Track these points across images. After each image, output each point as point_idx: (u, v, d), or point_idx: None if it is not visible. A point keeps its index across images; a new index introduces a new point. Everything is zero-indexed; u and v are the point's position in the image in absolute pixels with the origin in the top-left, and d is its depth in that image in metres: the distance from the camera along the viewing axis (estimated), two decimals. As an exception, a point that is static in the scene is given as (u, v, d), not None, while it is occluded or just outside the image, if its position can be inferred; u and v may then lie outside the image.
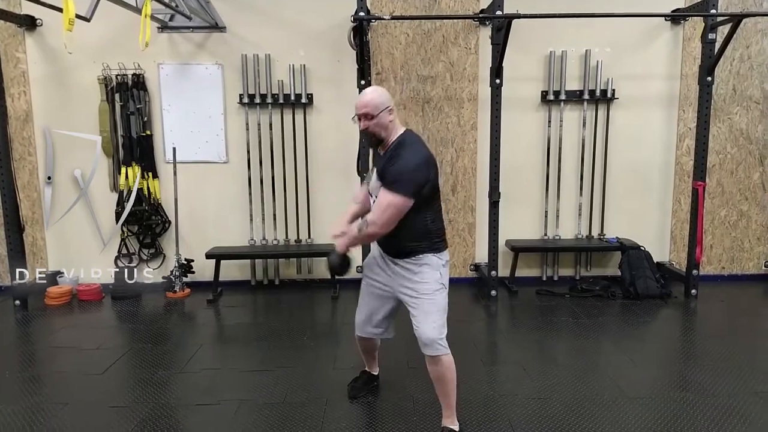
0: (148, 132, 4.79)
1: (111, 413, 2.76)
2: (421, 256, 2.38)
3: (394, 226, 2.27)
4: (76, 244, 4.96)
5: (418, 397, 2.86)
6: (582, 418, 2.65)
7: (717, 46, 4.27)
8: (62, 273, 4.90)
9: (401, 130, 2.39)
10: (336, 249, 2.39)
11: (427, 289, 2.37)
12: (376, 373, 3.02)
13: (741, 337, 3.77)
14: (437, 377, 2.44)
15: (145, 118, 4.77)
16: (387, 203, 2.23)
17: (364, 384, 2.95)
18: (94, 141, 4.78)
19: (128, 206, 4.76)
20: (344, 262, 2.40)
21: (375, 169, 2.45)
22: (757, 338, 3.81)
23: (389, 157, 2.32)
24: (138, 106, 4.74)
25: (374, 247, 2.60)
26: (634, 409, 2.75)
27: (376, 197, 2.36)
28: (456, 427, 2.49)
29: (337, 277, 2.46)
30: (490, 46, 4.35)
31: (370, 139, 2.37)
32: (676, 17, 4.70)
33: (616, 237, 4.99)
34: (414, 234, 2.36)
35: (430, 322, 2.35)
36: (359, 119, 2.34)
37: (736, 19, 4.09)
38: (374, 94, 2.34)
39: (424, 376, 2.55)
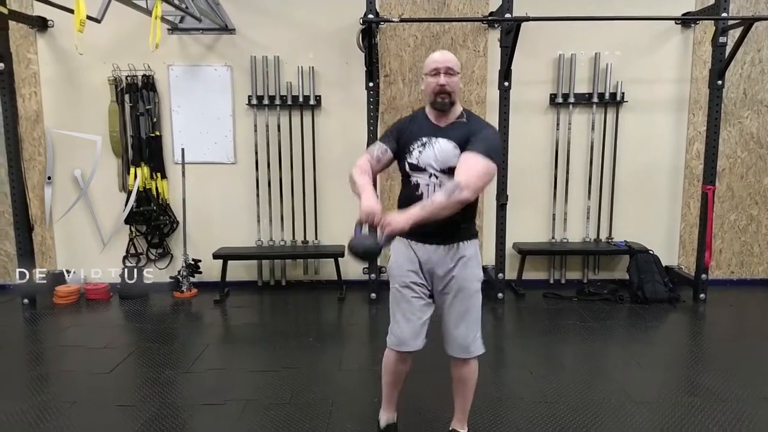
0: (158, 133, 4.82)
1: (118, 412, 2.77)
2: (473, 240, 2.24)
3: (485, 186, 2.10)
4: (82, 244, 4.99)
5: (422, 396, 2.85)
6: (589, 423, 2.64)
7: (728, 49, 4.24)
8: (68, 272, 4.92)
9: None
10: (388, 228, 1.94)
11: (475, 284, 2.23)
12: (395, 422, 2.54)
13: (750, 342, 3.74)
14: (463, 379, 2.34)
15: (155, 119, 4.80)
16: (485, 169, 2.04)
17: None
18: (94, 141, 4.81)
19: (128, 205, 4.80)
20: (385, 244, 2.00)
21: (427, 138, 2.18)
22: (766, 343, 3.77)
23: (467, 126, 2.16)
24: (147, 107, 4.77)
25: (400, 245, 2.26)
26: (642, 413, 2.73)
27: (426, 169, 2.16)
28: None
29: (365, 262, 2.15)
30: (499, 49, 4.34)
31: (442, 100, 2.13)
32: (686, 20, 4.68)
33: (625, 240, 4.96)
34: (470, 212, 2.21)
35: (472, 321, 2.24)
36: (438, 74, 2.11)
37: (747, 23, 4.07)
38: (453, 55, 2.19)
39: (430, 378, 2.54)
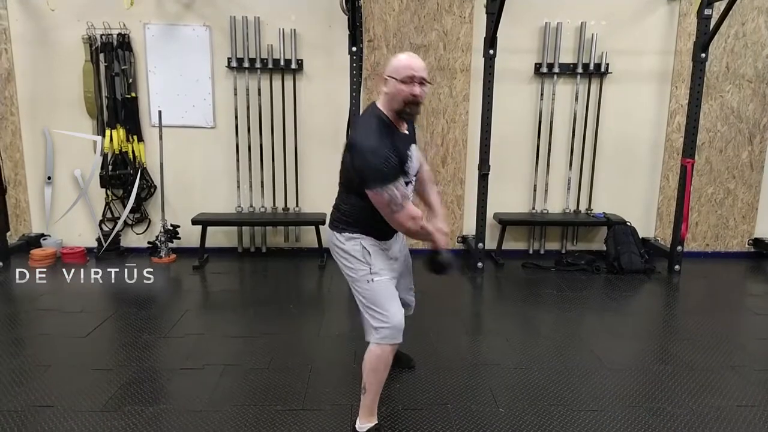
0: (134, 94, 4.69)
1: (94, 376, 2.76)
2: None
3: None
4: (58, 207, 4.89)
5: (399, 367, 2.88)
6: (562, 388, 2.69)
7: (713, 22, 4.23)
8: (44, 236, 4.86)
9: None
10: (441, 248, 2.21)
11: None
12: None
13: (721, 313, 3.83)
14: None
15: (130, 80, 4.67)
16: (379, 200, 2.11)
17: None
18: (94, 141, 4.71)
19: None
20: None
21: (409, 150, 2.18)
22: (737, 315, 3.88)
23: (413, 132, 2.29)
24: (123, 67, 4.63)
25: (368, 241, 2.24)
26: (613, 379, 2.80)
27: (415, 177, 2.25)
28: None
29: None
30: (485, 16, 4.27)
31: (410, 111, 2.08)
32: (673, -9, 4.65)
33: (603, 212, 5.01)
34: None
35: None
36: (413, 83, 2.03)
37: (733, -5, 4.04)
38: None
39: (404, 346, 2.56)
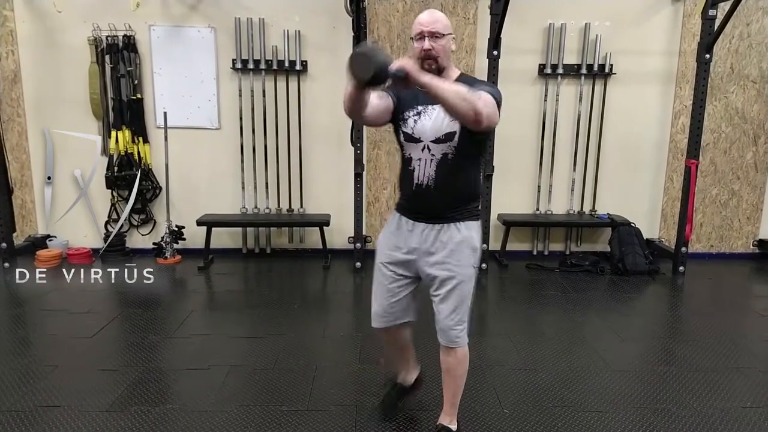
0: (139, 95, 4.72)
1: (101, 376, 2.78)
2: (470, 222, 2.06)
3: (492, 125, 1.89)
4: (64, 208, 4.91)
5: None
6: (566, 389, 2.70)
7: (717, 23, 4.22)
8: (49, 237, 4.88)
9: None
10: (405, 65, 1.74)
11: (466, 269, 2.05)
12: (409, 384, 2.49)
13: (726, 315, 3.82)
14: (448, 369, 2.17)
15: (136, 81, 4.69)
16: (493, 101, 1.86)
17: (398, 395, 2.49)
18: (94, 141, 4.73)
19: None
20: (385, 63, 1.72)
21: (423, 110, 2.02)
22: (742, 316, 3.87)
23: (465, 83, 1.94)
24: (128, 69, 4.65)
25: (391, 222, 2.16)
26: (618, 381, 2.80)
27: (420, 139, 2.01)
28: (454, 427, 2.26)
29: (370, 83, 1.74)
30: (489, 17, 4.28)
31: (428, 66, 1.95)
32: (677, -8, 4.65)
33: (607, 213, 5.01)
34: (471, 186, 2.07)
35: (460, 309, 2.06)
36: (422, 38, 1.95)
37: (737, -5, 4.04)
38: (442, 14, 1.99)
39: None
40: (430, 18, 1.96)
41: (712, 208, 5.10)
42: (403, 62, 1.74)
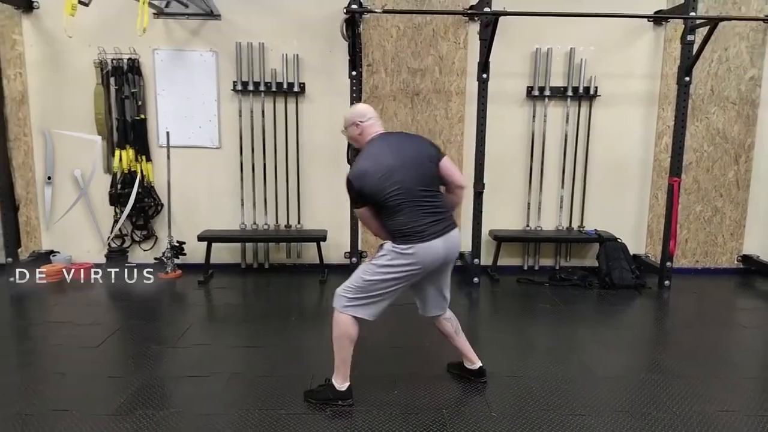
0: (143, 116, 4.88)
1: (107, 383, 2.89)
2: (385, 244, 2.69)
3: (367, 224, 2.69)
4: (67, 224, 5.05)
5: (398, 373, 3.01)
6: (553, 395, 2.82)
7: (695, 47, 4.43)
8: (53, 252, 5.00)
9: (373, 137, 2.67)
10: None
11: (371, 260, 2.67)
12: (472, 367, 2.97)
13: (709, 327, 3.94)
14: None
15: (140, 102, 4.86)
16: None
17: (457, 368, 3.04)
18: (94, 141, 4.87)
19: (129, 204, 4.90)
20: None
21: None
22: (725, 328, 4.00)
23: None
24: (133, 90, 4.82)
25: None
26: (603, 387, 2.93)
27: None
28: (338, 386, 2.69)
29: None
30: (479, 42, 4.48)
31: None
32: (658, 18, 4.86)
33: (595, 229, 5.17)
34: (385, 229, 2.66)
35: (347, 281, 2.68)
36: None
37: (713, 22, 4.26)
38: (350, 110, 2.78)
39: (405, 353, 2.70)
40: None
41: (697, 224, 5.27)
42: None
